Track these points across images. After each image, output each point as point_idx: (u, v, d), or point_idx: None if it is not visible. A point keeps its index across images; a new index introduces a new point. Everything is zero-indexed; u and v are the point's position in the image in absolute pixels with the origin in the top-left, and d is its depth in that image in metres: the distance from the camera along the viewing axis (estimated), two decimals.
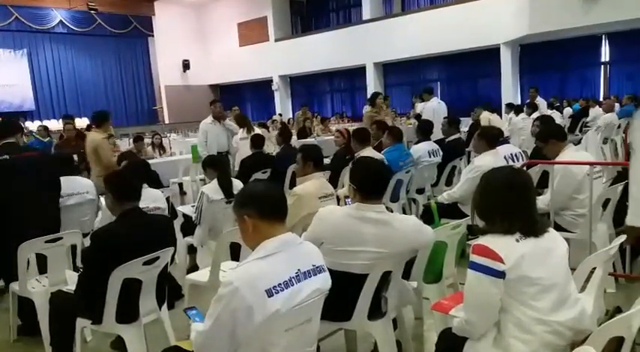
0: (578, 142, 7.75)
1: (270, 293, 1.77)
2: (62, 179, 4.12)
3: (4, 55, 19.10)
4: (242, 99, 23.32)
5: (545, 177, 4.54)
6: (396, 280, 2.69)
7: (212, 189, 4.36)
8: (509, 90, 15.47)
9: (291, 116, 19.75)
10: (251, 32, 21.83)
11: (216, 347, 1.86)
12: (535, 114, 9.50)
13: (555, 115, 10.65)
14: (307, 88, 22.33)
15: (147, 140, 10.30)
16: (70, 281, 3.31)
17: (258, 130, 8.85)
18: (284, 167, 6.21)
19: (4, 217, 3.60)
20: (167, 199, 4.80)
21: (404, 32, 16.73)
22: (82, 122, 19.05)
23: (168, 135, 13.05)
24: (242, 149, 7.36)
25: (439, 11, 16.22)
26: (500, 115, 12.54)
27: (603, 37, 14.75)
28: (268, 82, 21.91)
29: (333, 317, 2.46)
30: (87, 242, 3.31)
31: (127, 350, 2.81)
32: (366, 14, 18.48)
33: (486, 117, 9.82)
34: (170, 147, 11.13)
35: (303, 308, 1.88)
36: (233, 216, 2.10)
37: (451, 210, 4.43)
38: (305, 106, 12.94)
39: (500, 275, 1.91)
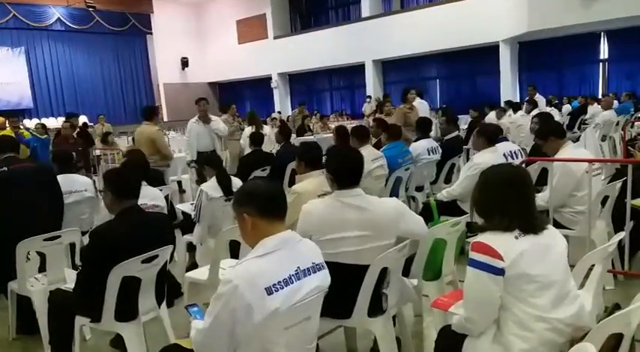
0: (576, 140, 7.74)
1: (269, 291, 1.77)
2: (61, 177, 4.12)
3: (2, 53, 19.06)
4: (241, 97, 23.30)
5: (544, 175, 4.55)
6: (396, 277, 2.69)
7: (211, 186, 4.36)
8: (508, 87, 15.48)
9: (290, 114, 19.76)
10: (250, 29, 21.79)
11: (215, 346, 1.86)
12: (534, 112, 9.51)
13: (554, 113, 10.63)
14: (306, 85, 22.32)
15: None
16: (69, 279, 3.30)
17: (267, 128, 8.87)
18: (283, 165, 6.21)
19: (4, 227, 3.60)
20: (166, 198, 4.79)
21: (403, 29, 16.73)
22: (79, 120, 19.08)
23: (166, 133, 13.02)
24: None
25: (438, 8, 16.21)
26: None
27: (602, 34, 14.75)
28: (267, 80, 21.89)
29: (332, 314, 2.46)
30: (86, 240, 3.31)
31: (127, 348, 2.81)
32: (365, 11, 18.47)
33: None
34: (169, 145, 11.11)
35: (303, 306, 1.88)
36: (232, 214, 2.10)
37: (450, 208, 4.44)
38: (302, 105, 12.92)
39: (500, 272, 1.92)
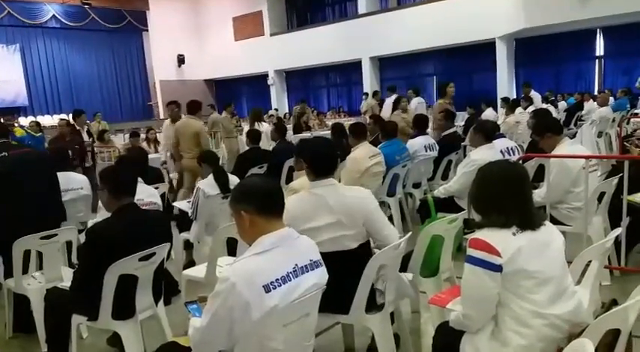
0: (573, 136, 7.76)
1: (267, 288, 1.77)
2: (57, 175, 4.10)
3: None
4: (237, 94, 23.27)
5: (541, 171, 4.55)
6: (393, 274, 2.69)
7: (208, 184, 4.35)
8: (505, 84, 15.49)
9: (287, 111, 19.74)
10: (246, 26, 21.74)
11: (213, 343, 1.86)
12: (531, 108, 9.53)
13: (550, 109, 10.67)
14: (303, 82, 22.30)
15: (142, 135, 10.27)
16: (66, 277, 3.29)
17: (265, 126, 8.85)
18: (280, 162, 6.20)
19: (6, 213, 3.58)
20: (162, 195, 4.78)
21: (400, 26, 16.71)
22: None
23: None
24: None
25: (435, 5, 16.18)
26: (496, 109, 12.58)
27: (598, 31, 14.77)
28: (264, 77, 21.86)
29: (326, 306, 2.45)
30: (82, 238, 3.30)
31: (124, 346, 2.81)
32: (361, 8, 18.44)
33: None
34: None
35: (301, 303, 1.88)
36: (229, 212, 2.09)
37: (447, 204, 4.44)
38: (304, 102, 12.89)
39: (498, 268, 1.92)
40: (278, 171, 6.16)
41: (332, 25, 19.41)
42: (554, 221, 3.66)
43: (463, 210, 3.59)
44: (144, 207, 3.37)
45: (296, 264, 1.89)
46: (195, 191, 4.37)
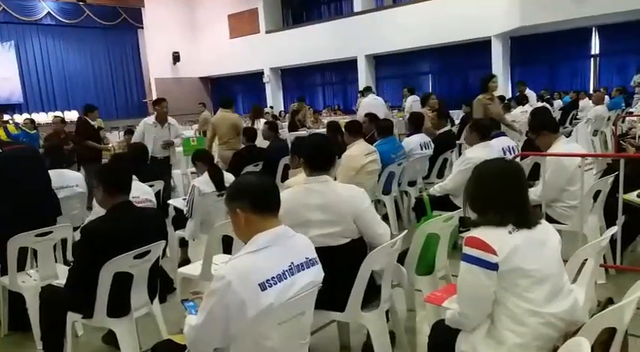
0: (568, 134, 7.79)
1: (263, 286, 1.76)
2: (51, 172, 4.08)
3: None
4: (233, 92, 23.20)
5: (536, 169, 4.56)
6: (389, 273, 2.69)
7: (203, 181, 4.35)
8: (500, 82, 15.44)
9: (282, 109, 19.71)
10: (242, 24, 21.69)
11: (209, 341, 1.86)
12: (527, 106, 9.56)
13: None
14: (299, 80, 22.27)
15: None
16: (61, 275, 3.28)
17: (262, 122, 8.82)
18: (275, 160, 6.20)
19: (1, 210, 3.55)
20: (157, 193, 4.76)
21: (395, 24, 16.71)
22: (70, 115, 18.95)
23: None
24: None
25: (430, 3, 16.19)
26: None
27: (593, 29, 14.81)
28: (259, 75, 21.82)
29: (323, 306, 2.45)
30: (77, 235, 3.28)
31: (119, 344, 2.80)
32: (357, 6, 18.42)
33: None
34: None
35: (297, 302, 1.88)
36: (225, 209, 2.09)
37: (443, 202, 4.44)
38: (302, 101, 12.85)
39: (494, 267, 1.92)
40: (273, 169, 6.16)
41: (327, 23, 19.38)
42: (550, 219, 3.67)
43: (459, 208, 3.59)
44: (139, 205, 3.36)
45: (292, 262, 1.88)
46: (190, 189, 4.36)
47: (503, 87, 15.42)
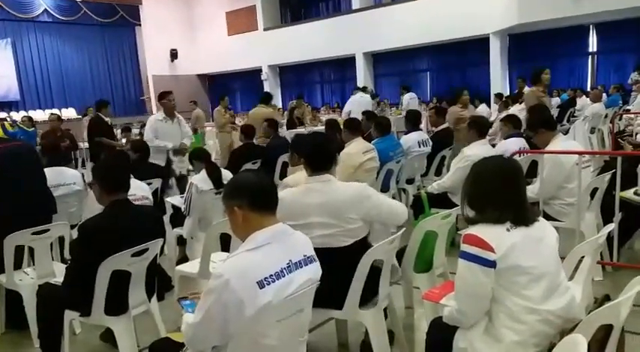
0: (566, 132, 7.79)
1: (261, 284, 1.76)
2: (49, 170, 4.08)
3: None
4: (231, 90, 23.16)
5: (534, 167, 4.57)
6: (387, 270, 2.69)
7: (201, 179, 4.34)
8: (498, 79, 15.52)
9: (280, 106, 19.67)
10: (240, 21, 21.64)
11: (207, 339, 1.86)
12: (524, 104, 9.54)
13: None
14: (297, 77, 22.24)
15: (134, 130, 10.23)
16: (58, 273, 3.28)
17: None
18: (274, 157, 6.19)
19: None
20: (155, 192, 4.76)
21: (393, 22, 16.69)
22: (67, 112, 18.91)
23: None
24: None
25: (428, 1, 16.17)
26: (489, 105, 12.61)
27: (591, 27, 14.82)
28: (257, 72, 21.78)
29: (319, 301, 2.45)
30: (75, 233, 3.28)
31: (117, 342, 2.80)
32: (355, 3, 18.39)
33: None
34: (123, 141, 11.03)
35: (295, 299, 1.87)
36: (223, 207, 2.08)
37: (441, 200, 4.45)
38: (300, 98, 12.85)
39: (492, 264, 1.92)
40: (272, 167, 6.15)
41: (326, 21, 19.35)
42: (547, 217, 3.68)
43: (456, 205, 3.60)
44: (136, 203, 3.35)
45: (290, 260, 1.88)
46: (188, 186, 4.36)
47: (501, 85, 15.44)
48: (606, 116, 9.66)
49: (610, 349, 1.76)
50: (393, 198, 5.58)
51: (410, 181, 5.97)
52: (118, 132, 9.97)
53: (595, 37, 15.02)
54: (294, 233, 2.01)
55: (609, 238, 3.78)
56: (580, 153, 3.86)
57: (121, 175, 2.92)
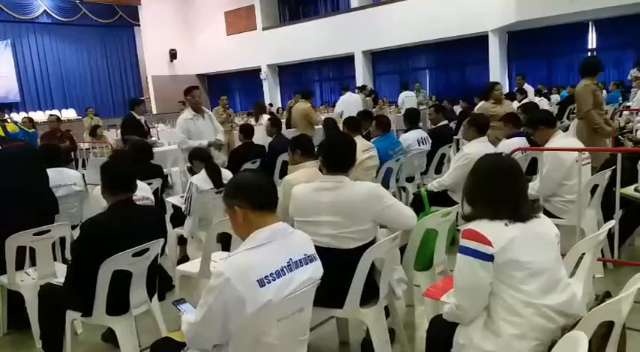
0: (565, 129, 7.78)
1: (261, 283, 1.76)
2: (49, 171, 4.07)
3: None
4: (230, 89, 23.16)
5: (534, 164, 4.56)
6: (388, 268, 2.69)
7: (201, 179, 4.34)
8: (498, 77, 15.48)
9: (280, 105, 19.67)
10: (238, 21, 21.63)
11: (208, 338, 1.86)
12: (525, 101, 9.54)
13: (543, 102, 10.71)
14: (296, 76, 22.22)
15: None
16: (60, 273, 3.28)
17: (265, 117, 8.84)
18: (275, 157, 6.19)
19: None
20: (155, 191, 4.76)
21: (392, 20, 16.69)
22: (67, 113, 18.91)
23: (155, 125, 12.95)
24: (256, 135, 6.88)
25: None
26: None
27: (590, 24, 14.80)
28: (256, 71, 21.78)
29: (321, 301, 2.46)
30: (76, 233, 3.28)
31: (118, 342, 2.81)
32: (354, 2, 18.39)
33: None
34: (158, 138, 11.04)
35: (295, 298, 1.88)
36: (223, 206, 2.08)
37: (441, 198, 4.45)
38: (297, 95, 12.87)
39: (489, 258, 1.93)
40: (271, 167, 6.15)
41: (324, 19, 19.34)
42: (548, 214, 3.67)
43: (456, 203, 3.60)
44: (138, 203, 3.35)
45: (290, 259, 1.88)
46: (188, 186, 4.36)
47: (501, 81, 15.40)
48: (606, 112, 9.64)
49: (611, 346, 1.77)
50: (393, 195, 5.59)
51: (410, 179, 5.97)
52: (117, 132, 9.96)
53: (594, 34, 15.00)
54: (293, 231, 2.01)
55: (610, 235, 3.78)
56: (580, 150, 3.85)
57: (124, 176, 2.92)
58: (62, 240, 3.76)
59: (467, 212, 2.11)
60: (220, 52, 21.95)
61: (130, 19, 21.96)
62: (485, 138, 4.63)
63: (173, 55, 22.87)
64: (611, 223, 2.59)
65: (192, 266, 3.51)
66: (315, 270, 1.99)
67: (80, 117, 17.02)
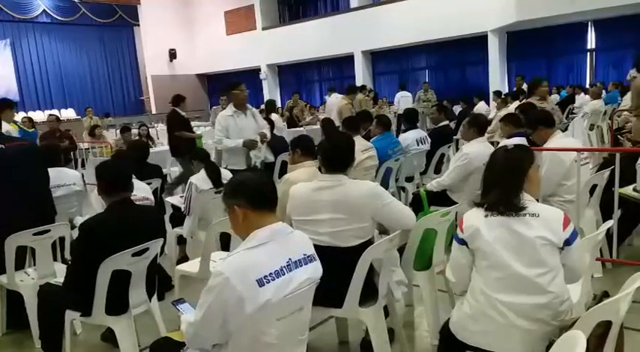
0: (565, 129, 7.80)
1: (261, 282, 1.77)
2: (50, 171, 4.07)
3: None
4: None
5: None
6: (387, 268, 2.70)
7: (200, 179, 4.35)
8: (497, 77, 15.52)
9: (280, 105, 19.67)
10: (238, 20, 21.62)
11: (207, 338, 1.86)
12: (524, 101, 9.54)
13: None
14: (295, 76, 22.22)
15: (134, 131, 10.22)
16: (59, 273, 3.29)
17: (274, 116, 8.83)
18: (275, 155, 6.19)
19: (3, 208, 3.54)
20: (155, 191, 4.77)
21: (392, 20, 16.68)
22: (67, 113, 18.90)
23: (155, 125, 12.96)
24: None
25: None
26: (488, 102, 12.62)
27: (589, 24, 14.81)
28: (256, 71, 21.76)
29: (320, 300, 2.46)
30: (75, 233, 3.28)
31: (118, 342, 2.81)
32: (353, 2, 18.36)
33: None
34: (157, 138, 11.05)
35: (295, 298, 1.88)
36: (222, 206, 2.09)
37: (440, 198, 4.45)
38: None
39: (462, 242, 2.17)
40: (271, 166, 6.15)
41: (324, 19, 19.32)
42: None
43: (456, 203, 3.61)
44: (137, 203, 3.36)
45: (289, 258, 1.89)
46: (187, 186, 4.36)
47: (500, 82, 15.44)
48: (605, 113, 9.66)
49: (609, 345, 1.77)
50: (393, 195, 5.60)
51: (409, 179, 5.98)
52: (117, 132, 9.94)
53: (593, 34, 15.00)
54: (292, 231, 2.01)
55: (608, 235, 3.79)
56: (579, 150, 3.86)
57: (122, 176, 2.91)
58: (62, 240, 3.76)
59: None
60: (220, 51, 21.93)
61: (129, 18, 21.95)
62: (485, 138, 4.64)
63: (173, 54, 22.85)
64: (610, 223, 2.60)
65: (191, 266, 3.52)
66: (315, 270, 1.99)
67: (79, 117, 17.01)
